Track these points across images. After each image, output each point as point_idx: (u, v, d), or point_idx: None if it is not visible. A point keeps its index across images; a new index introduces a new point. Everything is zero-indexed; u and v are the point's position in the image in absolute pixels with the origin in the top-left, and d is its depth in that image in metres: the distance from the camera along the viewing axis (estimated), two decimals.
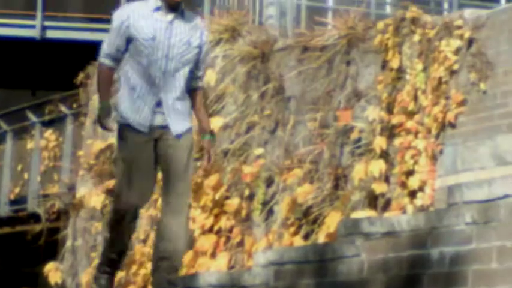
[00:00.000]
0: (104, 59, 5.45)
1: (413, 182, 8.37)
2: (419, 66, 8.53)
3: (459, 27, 8.53)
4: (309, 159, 9.34)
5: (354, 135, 8.99)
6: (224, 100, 10.57)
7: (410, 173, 8.45)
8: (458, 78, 8.50)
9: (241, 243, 9.57)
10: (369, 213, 8.44)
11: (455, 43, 8.37)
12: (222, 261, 9.66)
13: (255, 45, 10.47)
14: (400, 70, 8.74)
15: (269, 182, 9.69)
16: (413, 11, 8.92)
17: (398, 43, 8.78)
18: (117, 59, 5.47)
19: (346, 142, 9.19)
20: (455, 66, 8.38)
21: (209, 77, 10.06)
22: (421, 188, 8.32)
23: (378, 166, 8.57)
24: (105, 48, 5.51)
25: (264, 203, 9.61)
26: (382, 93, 8.85)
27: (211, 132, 5.74)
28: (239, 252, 9.67)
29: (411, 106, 8.63)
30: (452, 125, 8.34)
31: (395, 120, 8.66)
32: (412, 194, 8.39)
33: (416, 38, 8.67)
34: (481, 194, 5.39)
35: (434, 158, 8.38)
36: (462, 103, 8.37)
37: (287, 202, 9.25)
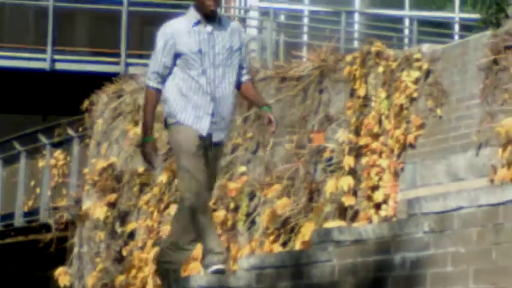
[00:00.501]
0: (150, 81, 5.78)
1: (378, 196, 8.71)
2: (383, 94, 8.88)
3: (418, 60, 8.91)
4: (286, 176, 9.62)
5: (326, 155, 9.30)
6: None
7: (375, 187, 8.78)
8: (417, 104, 8.91)
9: (227, 250, 9.60)
10: (340, 223, 8.67)
11: (415, 74, 8.75)
12: None
13: None
14: (366, 98, 9.12)
15: (251, 196, 9.96)
16: (377, 45, 9.34)
17: (364, 74, 9.15)
18: (163, 77, 5.74)
19: (319, 160, 9.51)
20: (415, 94, 8.76)
21: None
22: (385, 201, 8.65)
23: (347, 181, 8.89)
24: (152, 68, 5.80)
25: (247, 215, 9.89)
26: (351, 118, 9.20)
27: (268, 105, 6.16)
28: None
29: (376, 129, 8.95)
30: (412, 146, 8.74)
31: (362, 141, 8.99)
32: (377, 206, 8.72)
33: (380, 69, 9.04)
34: (437, 206, 5.11)
35: (396, 175, 8.73)
36: (421, 127, 8.73)
37: (267, 214, 9.56)
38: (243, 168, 10.33)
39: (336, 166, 9.25)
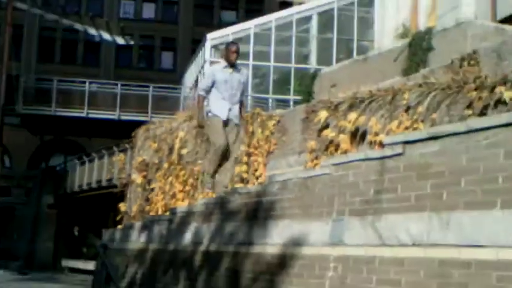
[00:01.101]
0: (201, 92, 9.78)
1: (257, 174, 11.48)
2: (259, 130, 11.78)
3: (275, 116, 12.02)
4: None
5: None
6: (187, 142, 13.47)
7: (256, 170, 11.63)
8: (274, 135, 11.85)
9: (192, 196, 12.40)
10: (241, 184, 10.70)
11: (273, 122, 11.85)
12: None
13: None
14: (253, 132, 11.89)
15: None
16: (258, 110, 12.49)
17: (252, 122, 11.92)
18: (207, 92, 9.72)
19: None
20: (273, 130, 11.77)
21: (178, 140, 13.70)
22: (260, 176, 11.36)
23: (244, 167, 11.55)
24: (202, 86, 9.84)
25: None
26: (248, 140, 11.71)
27: (245, 118, 10.03)
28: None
29: (257, 145, 11.86)
30: (272, 153, 11.65)
31: (251, 150, 11.80)
32: (257, 178, 11.37)
33: (259, 120, 11.98)
34: (280, 178, 7.80)
35: (265, 165, 11.54)
36: (275, 144, 11.66)
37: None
38: (199, 162, 12.46)
39: (239, 161, 11.48)
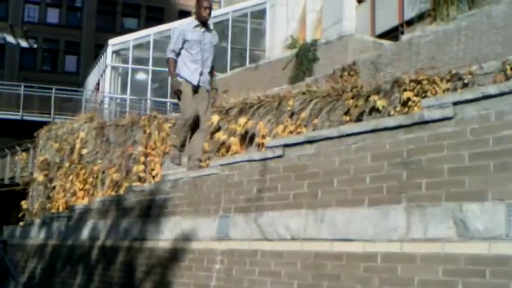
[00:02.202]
0: (171, 55, 8.01)
1: (154, 173, 11.79)
2: (156, 132, 12.29)
3: (169, 120, 12.60)
4: (119, 163, 12.79)
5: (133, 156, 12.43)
6: (87, 143, 13.74)
7: (153, 169, 12.04)
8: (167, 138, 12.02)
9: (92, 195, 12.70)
10: (138, 183, 11.04)
11: (168, 124, 12.26)
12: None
13: (101, 125, 14.03)
14: (150, 134, 12.49)
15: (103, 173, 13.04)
16: (154, 114, 13.19)
17: (149, 125, 12.66)
18: (176, 53, 8.01)
19: (131, 158, 12.65)
20: (168, 132, 11.92)
21: (78, 140, 13.81)
22: (156, 175, 11.57)
23: (141, 167, 12.18)
24: (171, 48, 8.05)
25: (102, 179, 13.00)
26: (144, 142, 12.44)
27: (216, 88, 8.35)
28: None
29: (153, 146, 12.33)
30: (167, 153, 10.61)
31: (148, 151, 12.31)
32: (153, 177, 11.68)
33: (155, 123, 12.64)
34: (172, 176, 7.69)
35: (161, 165, 11.43)
36: (170, 146, 10.71)
37: (109, 180, 12.67)
38: (99, 161, 13.25)
39: (137, 161, 12.43)
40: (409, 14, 15.65)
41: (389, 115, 8.33)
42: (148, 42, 30.65)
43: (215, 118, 11.83)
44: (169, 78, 8.25)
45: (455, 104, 4.45)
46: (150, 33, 30.85)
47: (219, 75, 20.17)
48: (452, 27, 10.86)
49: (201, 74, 8.02)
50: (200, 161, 8.16)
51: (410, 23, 15.66)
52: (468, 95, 4.36)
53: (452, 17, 11.48)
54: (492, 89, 4.21)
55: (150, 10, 54.01)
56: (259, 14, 26.47)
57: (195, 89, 8.00)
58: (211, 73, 8.26)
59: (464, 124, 4.37)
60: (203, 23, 8.06)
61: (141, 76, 31.37)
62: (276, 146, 6.01)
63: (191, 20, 8.13)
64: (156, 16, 51.27)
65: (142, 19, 53.48)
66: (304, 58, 15.63)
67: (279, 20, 23.00)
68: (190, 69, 7.98)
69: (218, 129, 11.65)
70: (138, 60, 30.83)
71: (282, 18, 22.05)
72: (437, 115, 4.53)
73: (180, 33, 7.99)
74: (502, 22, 10.11)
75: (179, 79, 7.93)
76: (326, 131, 5.68)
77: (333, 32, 17.27)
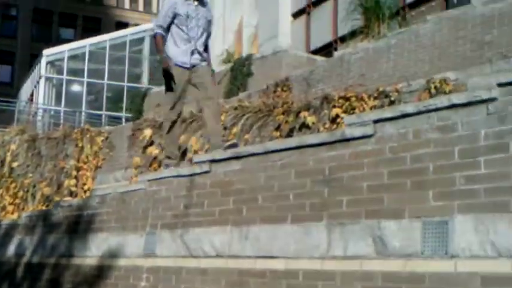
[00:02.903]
0: (158, 30, 6.98)
1: (86, 187, 11.83)
2: (89, 146, 12.47)
3: (103, 133, 12.90)
4: (51, 177, 12.51)
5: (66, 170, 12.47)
6: (18, 156, 13.45)
7: (84, 184, 12.09)
8: (103, 150, 12.62)
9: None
10: (69, 198, 10.98)
11: (101, 138, 12.63)
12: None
13: (33, 137, 13.86)
14: (82, 147, 12.55)
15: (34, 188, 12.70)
16: (87, 127, 13.22)
17: (81, 138, 12.77)
18: (164, 29, 6.99)
19: (63, 172, 12.53)
20: (101, 146, 12.51)
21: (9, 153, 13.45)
22: (88, 190, 11.58)
23: (73, 181, 11.99)
24: (159, 23, 7.01)
25: (32, 194, 12.64)
26: (77, 155, 12.53)
27: (213, 69, 7.32)
28: None
29: (84, 160, 12.38)
30: (100, 167, 12.51)
31: (80, 165, 12.36)
32: (85, 192, 11.64)
33: (88, 136, 12.70)
34: (100, 192, 7.63)
35: (93, 179, 12.09)
36: (103, 160, 12.46)
37: (40, 194, 12.30)
38: (30, 175, 12.89)
39: (68, 175, 12.43)
40: (342, 31, 15.82)
41: (318, 131, 8.40)
42: (84, 53, 30.23)
43: (148, 132, 11.81)
44: (160, 56, 7.09)
45: (375, 122, 4.52)
46: (86, 44, 30.52)
47: (154, 88, 20.16)
48: (382, 44, 11.06)
49: (192, 53, 6.98)
50: (223, 141, 7.01)
51: (343, 39, 15.82)
52: (388, 113, 4.44)
53: (383, 35, 11.69)
54: (410, 108, 4.30)
55: (86, 20, 53.38)
56: None
57: (189, 71, 6.95)
58: (206, 51, 7.20)
59: (384, 142, 4.44)
60: None
61: (76, 88, 30.84)
62: (203, 162, 6.00)
63: None
64: (93, 27, 50.69)
65: (79, 29, 52.78)
66: (238, 73, 15.68)
67: (215, 33, 22.86)
68: (180, 49, 6.93)
69: (151, 143, 11.64)
70: (73, 72, 30.41)
71: (218, 31, 21.99)
72: (358, 133, 4.59)
73: (171, 6, 6.94)
74: (429, 41, 10.35)
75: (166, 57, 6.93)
76: (252, 147, 5.71)
77: (269, 47, 17.34)
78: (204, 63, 7.05)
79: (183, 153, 10.68)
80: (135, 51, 30.85)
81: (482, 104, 3.94)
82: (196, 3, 6.98)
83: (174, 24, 6.95)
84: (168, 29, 6.97)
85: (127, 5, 56.78)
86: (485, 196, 3.81)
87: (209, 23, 7.18)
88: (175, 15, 6.91)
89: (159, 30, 6.95)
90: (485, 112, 3.92)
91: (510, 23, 9.78)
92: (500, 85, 3.86)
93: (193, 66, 6.95)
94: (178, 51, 6.93)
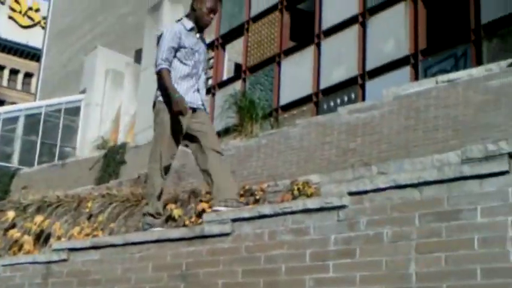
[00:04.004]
0: (164, 65, 5.75)
1: None
2: None
3: None
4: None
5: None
6: None
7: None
8: None
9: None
10: None
11: None
12: None
13: None
14: None
15: None
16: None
17: None
18: (170, 62, 5.82)
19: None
20: None
21: None
22: None
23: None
24: (164, 56, 5.78)
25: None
26: None
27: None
28: None
29: None
30: None
31: None
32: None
33: None
34: None
35: None
36: None
37: None
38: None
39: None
40: (217, 127, 16.14)
41: (184, 225, 8.43)
42: None
43: (11, 214, 11.47)
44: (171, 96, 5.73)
45: (234, 220, 4.62)
46: None
47: (24, 169, 19.78)
48: (253, 143, 11.37)
49: (195, 91, 5.99)
50: (238, 200, 5.86)
51: (218, 135, 16.10)
52: (246, 213, 4.56)
53: (255, 134, 12.04)
54: (267, 210, 4.43)
55: None
56: (74, 111, 26.25)
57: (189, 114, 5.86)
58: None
59: (241, 241, 4.53)
60: (200, 28, 6.08)
61: None
62: (62, 249, 5.87)
63: (185, 21, 6.03)
64: None
65: None
66: (111, 160, 15.68)
67: (92, 120, 23.01)
68: (181, 86, 5.85)
69: (13, 226, 11.27)
70: None
71: (95, 118, 22.08)
72: (216, 230, 4.67)
73: (174, 36, 5.88)
74: (298, 143, 10.74)
75: (160, 101, 5.80)
76: (112, 238, 5.67)
77: (144, 137, 17.43)
78: (203, 108, 6.03)
79: (47, 238, 10.44)
80: (8, 129, 30.02)
81: (333, 210, 4.12)
82: (198, 35, 6.05)
83: (176, 57, 5.90)
84: (171, 62, 5.88)
85: (5, 83, 55.65)
86: None
87: (207, 60, 6.51)
88: (179, 48, 5.89)
89: (165, 65, 5.76)
90: (336, 218, 4.10)
91: (373, 133, 10.35)
92: (350, 194, 4.06)
93: (194, 109, 5.88)
94: (180, 87, 5.81)
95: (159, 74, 5.72)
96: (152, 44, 20.64)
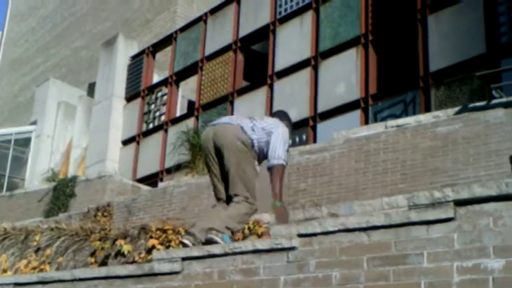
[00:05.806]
0: (285, 162, 5.84)
1: None
2: None
3: None
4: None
5: None
6: None
7: None
8: None
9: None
10: None
11: None
12: None
13: None
14: None
15: None
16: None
17: None
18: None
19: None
20: None
21: None
22: None
23: None
24: (284, 153, 5.85)
25: None
26: None
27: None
28: None
29: None
30: None
31: None
32: None
33: None
34: None
35: None
36: None
37: None
38: None
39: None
40: (169, 163, 16.14)
41: (133, 261, 8.34)
42: None
43: None
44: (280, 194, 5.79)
45: (183, 259, 4.60)
46: None
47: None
48: (204, 181, 11.35)
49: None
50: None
51: (170, 171, 16.11)
52: (195, 252, 4.55)
53: (206, 172, 12.01)
54: (217, 250, 4.43)
55: None
56: (24, 142, 25.87)
57: None
58: None
59: (190, 279, 4.51)
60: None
61: None
62: (7, 284, 5.75)
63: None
64: None
65: None
66: (61, 193, 15.49)
67: (43, 151, 22.70)
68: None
69: None
70: None
71: (46, 149, 21.79)
72: (166, 268, 4.64)
73: (287, 138, 6.02)
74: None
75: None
76: (60, 273, 5.58)
77: (95, 171, 17.33)
78: None
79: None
80: None
81: (283, 251, 4.13)
82: None
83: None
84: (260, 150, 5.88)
85: None
86: None
87: None
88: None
89: (285, 162, 5.84)
90: (285, 259, 4.11)
91: (323, 174, 10.46)
92: (300, 235, 4.09)
93: None
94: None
95: (279, 167, 5.71)
96: (105, 78, 20.67)
